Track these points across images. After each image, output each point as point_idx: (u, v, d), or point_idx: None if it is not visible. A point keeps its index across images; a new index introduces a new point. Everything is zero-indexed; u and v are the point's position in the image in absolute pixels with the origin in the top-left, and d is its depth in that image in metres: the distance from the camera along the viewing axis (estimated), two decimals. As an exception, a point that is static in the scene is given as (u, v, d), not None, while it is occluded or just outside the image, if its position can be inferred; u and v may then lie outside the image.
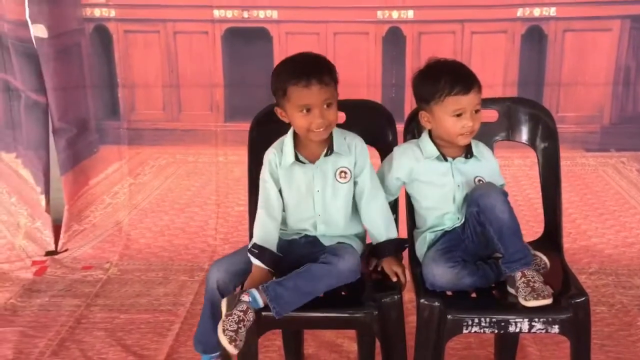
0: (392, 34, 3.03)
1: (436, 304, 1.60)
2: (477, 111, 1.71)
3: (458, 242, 1.72)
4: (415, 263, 1.79)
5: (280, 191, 1.77)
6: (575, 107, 3.06)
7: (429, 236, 1.76)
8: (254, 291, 1.59)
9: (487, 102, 1.88)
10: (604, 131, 3.09)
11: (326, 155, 1.74)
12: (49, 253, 3.06)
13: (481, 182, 1.76)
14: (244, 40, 3.07)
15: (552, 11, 2.95)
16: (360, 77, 3.08)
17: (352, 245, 1.76)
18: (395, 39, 3.03)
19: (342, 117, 1.94)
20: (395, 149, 1.83)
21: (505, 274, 1.63)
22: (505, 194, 1.66)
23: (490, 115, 1.95)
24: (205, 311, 1.76)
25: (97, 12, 3.01)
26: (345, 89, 3.02)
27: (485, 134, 1.87)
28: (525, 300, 1.56)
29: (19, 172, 3.14)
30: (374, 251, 1.80)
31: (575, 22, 2.97)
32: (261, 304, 1.58)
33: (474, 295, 1.68)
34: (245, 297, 1.58)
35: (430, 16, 3.01)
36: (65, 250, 3.08)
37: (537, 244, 1.84)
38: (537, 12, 2.96)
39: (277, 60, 3.00)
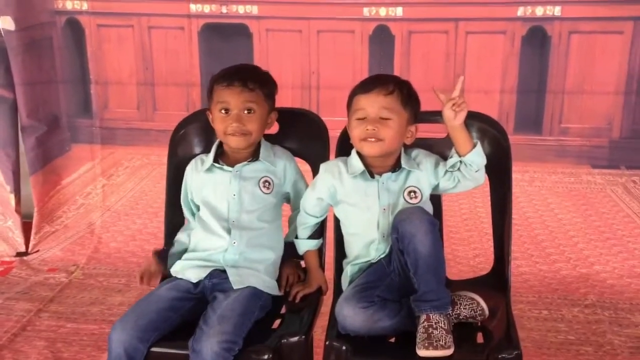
0: (379, 33, 2.79)
1: (343, 348, 1.38)
2: (384, 119, 1.51)
3: (382, 276, 1.49)
4: (337, 298, 1.56)
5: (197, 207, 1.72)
6: (580, 118, 2.75)
7: (350, 269, 1.55)
8: None
9: (434, 116, 1.64)
10: (614, 146, 2.76)
11: (249, 162, 1.66)
12: (19, 254, 2.96)
13: (413, 193, 1.54)
14: (222, 37, 2.89)
15: (556, 10, 2.65)
16: (345, 78, 2.84)
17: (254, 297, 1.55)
18: (383, 38, 2.79)
19: (275, 127, 1.77)
20: (322, 165, 1.62)
21: (414, 312, 1.40)
22: (434, 223, 1.41)
23: (441, 130, 1.70)
24: None
25: (69, 5, 2.89)
26: (329, 91, 2.89)
27: (433, 152, 1.63)
28: (418, 348, 1.35)
29: (-10, 170, 3.06)
30: None
31: (583, 23, 2.66)
32: None
33: (392, 340, 1.44)
34: None
35: (421, 14, 2.76)
36: (37, 252, 2.98)
37: (483, 281, 1.61)
38: (539, 11, 2.66)
39: (257, 58, 2.92)
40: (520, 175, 2.79)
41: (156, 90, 2.97)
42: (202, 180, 1.68)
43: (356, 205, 1.55)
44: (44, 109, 2.96)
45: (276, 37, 2.85)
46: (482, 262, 2.65)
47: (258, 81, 1.63)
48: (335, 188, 1.57)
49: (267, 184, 1.65)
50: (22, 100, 2.87)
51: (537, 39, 2.70)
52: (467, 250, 2.71)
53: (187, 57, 2.91)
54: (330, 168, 1.60)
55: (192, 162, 1.72)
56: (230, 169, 1.65)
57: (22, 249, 2.99)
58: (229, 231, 1.61)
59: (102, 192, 3.09)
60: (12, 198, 3.01)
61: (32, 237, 3.02)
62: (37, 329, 2.38)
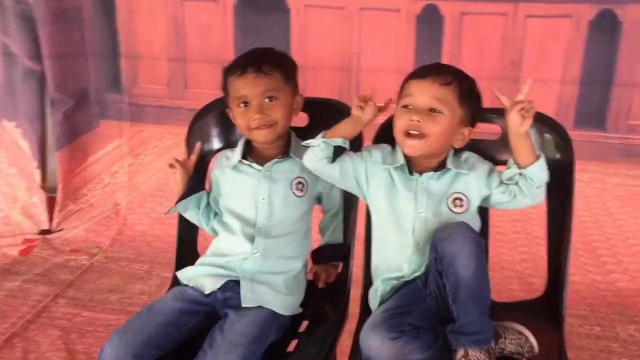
0: (428, 13, 2.54)
1: (367, 383, 1.20)
2: (433, 111, 1.30)
3: (416, 300, 1.30)
4: (364, 319, 1.37)
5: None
6: (651, 114, 2.47)
7: (381, 287, 1.35)
8: None
9: (488, 113, 1.43)
10: (686, 147, 2.47)
11: (280, 160, 1.47)
12: (43, 232, 2.89)
13: (458, 201, 1.34)
14: (258, 12, 2.68)
15: (630, -7, 2.35)
16: (389, 61, 2.62)
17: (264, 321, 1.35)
18: (431, 19, 2.54)
19: (304, 118, 1.58)
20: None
21: (451, 345, 1.21)
22: (479, 244, 1.21)
23: (494, 130, 1.48)
24: None
25: (99, -27, 2.74)
26: (370, 74, 2.66)
27: (483, 155, 1.42)
28: None
29: (19, 143, 2.96)
30: (313, 257, 1.57)
31: (660, 8, 2.36)
32: None
33: (424, 375, 1.25)
34: None
35: (475, -7, 2.50)
36: (60, 230, 2.89)
37: (533, 306, 1.39)
38: (611, -7, 2.37)
39: (294, 36, 2.71)
40: (578, 175, 2.48)
41: (188, 67, 2.81)
42: (227, 179, 1.51)
43: (389, 201, 1.36)
44: (72, 83, 2.84)
45: (315, 13, 2.63)
46: (528, 267, 2.44)
47: (274, 63, 1.44)
48: (375, 163, 1.39)
49: (300, 185, 1.47)
50: (50, 73, 2.77)
51: (606, 25, 2.40)
52: (514, 255, 2.49)
53: (221, 32, 2.72)
54: (381, 145, 1.42)
55: (216, 158, 1.55)
56: (259, 167, 1.47)
57: (46, 226, 2.92)
58: (252, 239, 1.44)
59: (128, 171, 2.96)
60: (37, 174, 2.93)
61: (55, 215, 2.93)
62: (53, 315, 2.29)
